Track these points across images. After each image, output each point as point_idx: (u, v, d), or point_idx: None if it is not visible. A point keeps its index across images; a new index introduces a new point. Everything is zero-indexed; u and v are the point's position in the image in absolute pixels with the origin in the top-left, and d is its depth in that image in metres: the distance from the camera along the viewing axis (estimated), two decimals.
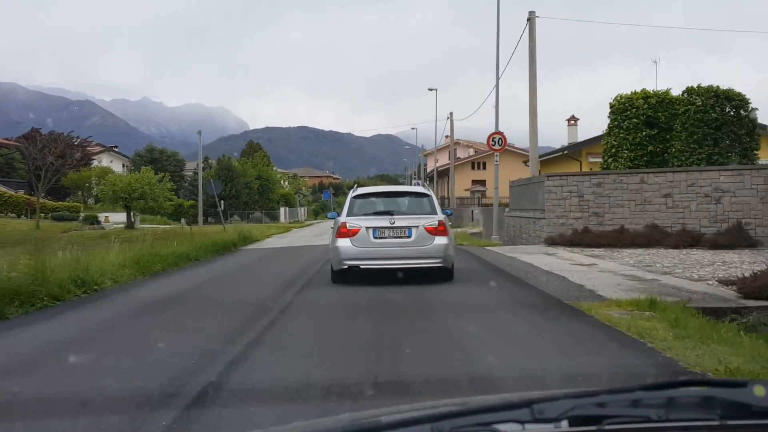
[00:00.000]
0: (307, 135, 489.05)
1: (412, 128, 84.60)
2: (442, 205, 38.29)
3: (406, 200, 13.46)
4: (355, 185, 18.94)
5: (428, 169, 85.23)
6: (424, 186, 18.17)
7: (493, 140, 24.16)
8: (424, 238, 11.94)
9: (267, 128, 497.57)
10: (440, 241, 12.00)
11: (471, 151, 78.73)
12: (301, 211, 76.64)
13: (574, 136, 48.64)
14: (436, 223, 12.09)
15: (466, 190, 65.52)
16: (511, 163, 65.71)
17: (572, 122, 49.16)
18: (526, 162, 50.29)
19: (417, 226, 11.99)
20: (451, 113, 54.51)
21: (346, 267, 12.10)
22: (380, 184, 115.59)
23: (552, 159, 41.51)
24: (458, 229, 36.48)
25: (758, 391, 1.28)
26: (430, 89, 53.44)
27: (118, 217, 50.90)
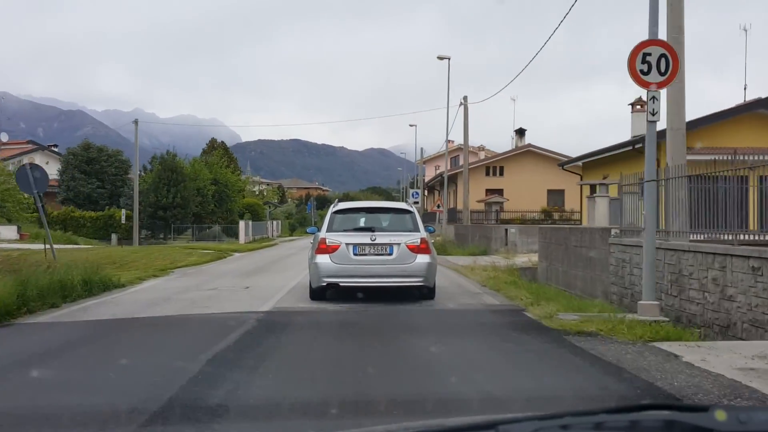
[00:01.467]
0: (299, 148, 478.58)
1: (411, 125, 70.58)
2: (452, 219, 25.10)
3: (388, 216, 13.01)
4: (337, 200, 15.15)
5: (426, 179, 71.51)
6: (407, 202, 14.81)
7: (643, 62, 9.38)
8: (406, 256, 11.64)
9: (260, 141, 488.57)
10: (422, 259, 11.68)
11: (481, 155, 64.68)
12: (273, 226, 61.46)
13: (640, 126, 34.77)
14: (419, 240, 11.79)
15: (479, 201, 51.43)
16: (537, 167, 50.94)
17: (638, 107, 35.39)
18: (563, 165, 36.66)
19: (399, 244, 11.70)
20: (465, 98, 40.44)
21: (325, 284, 11.70)
22: (372, 197, 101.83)
23: (610, 158, 28.27)
24: (490, 258, 22.25)
25: (719, 415, 1.25)
26: (441, 57, 38.76)
27: (7, 233, 36.80)
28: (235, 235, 47.89)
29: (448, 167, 52.72)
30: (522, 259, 21.87)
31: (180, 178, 49.76)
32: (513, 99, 62.89)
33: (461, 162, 49.89)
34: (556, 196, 50.41)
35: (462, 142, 62.36)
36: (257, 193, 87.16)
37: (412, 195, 46.94)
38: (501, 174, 53.87)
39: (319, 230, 12.52)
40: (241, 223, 48.61)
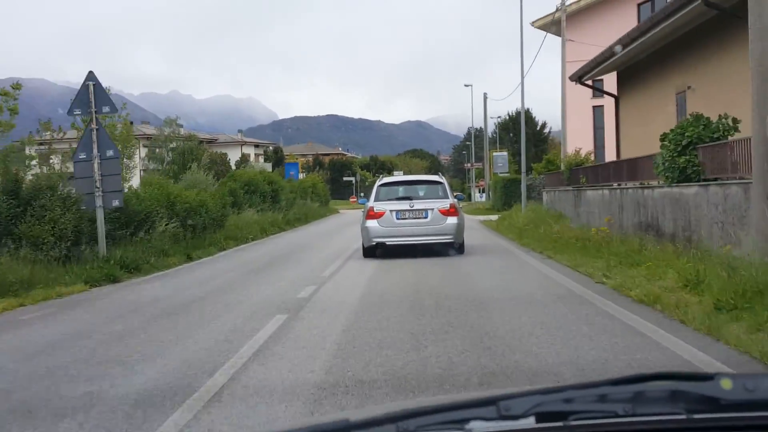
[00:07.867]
0: (336, 123, 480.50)
1: (466, 85, 70.48)
2: None
3: (423, 187, 15.86)
4: (381, 175, 20.54)
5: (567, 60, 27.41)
6: (439, 174, 17.40)
7: None
8: (438, 219, 14.48)
9: (296, 118, 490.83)
10: (452, 221, 14.51)
11: (618, 49, 19.37)
12: None
13: None
14: (448, 206, 14.67)
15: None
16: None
17: None
18: None
19: (432, 209, 14.57)
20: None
21: (374, 243, 14.57)
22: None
23: None
24: None
25: (725, 384, 1.27)
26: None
27: None
28: None
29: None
30: None
31: None
32: None
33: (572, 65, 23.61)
34: None
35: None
36: (245, 161, 60.88)
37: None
38: None
39: (367, 201, 15.48)
40: None
